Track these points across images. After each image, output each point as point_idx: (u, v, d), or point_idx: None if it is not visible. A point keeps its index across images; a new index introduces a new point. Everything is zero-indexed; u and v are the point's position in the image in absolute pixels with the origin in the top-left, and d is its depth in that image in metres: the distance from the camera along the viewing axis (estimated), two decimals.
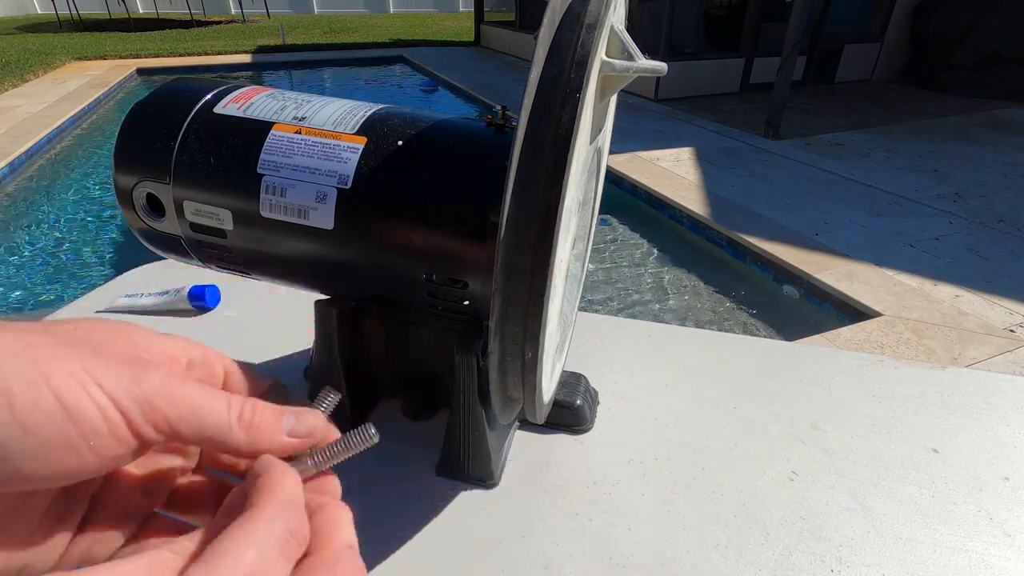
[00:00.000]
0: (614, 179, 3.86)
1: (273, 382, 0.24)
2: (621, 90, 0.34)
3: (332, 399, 0.24)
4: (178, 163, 0.39)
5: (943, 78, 6.52)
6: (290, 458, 0.21)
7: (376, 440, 0.22)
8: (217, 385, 0.23)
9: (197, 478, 0.24)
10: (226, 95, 0.41)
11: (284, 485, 0.19)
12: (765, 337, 2.22)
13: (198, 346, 0.22)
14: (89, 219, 3.70)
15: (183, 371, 0.21)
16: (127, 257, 3.17)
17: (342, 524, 0.20)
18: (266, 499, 0.18)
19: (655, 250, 3.26)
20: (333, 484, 0.22)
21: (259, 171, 0.37)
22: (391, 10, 18.54)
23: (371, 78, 8.42)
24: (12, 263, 3.16)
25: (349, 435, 0.22)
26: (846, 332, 2.27)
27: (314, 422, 0.22)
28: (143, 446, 0.18)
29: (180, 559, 0.16)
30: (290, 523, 0.18)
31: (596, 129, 0.36)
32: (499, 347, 0.31)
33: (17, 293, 2.92)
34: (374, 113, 0.39)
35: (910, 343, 2.19)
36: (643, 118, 5.42)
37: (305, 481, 0.21)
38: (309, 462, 0.22)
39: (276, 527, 0.17)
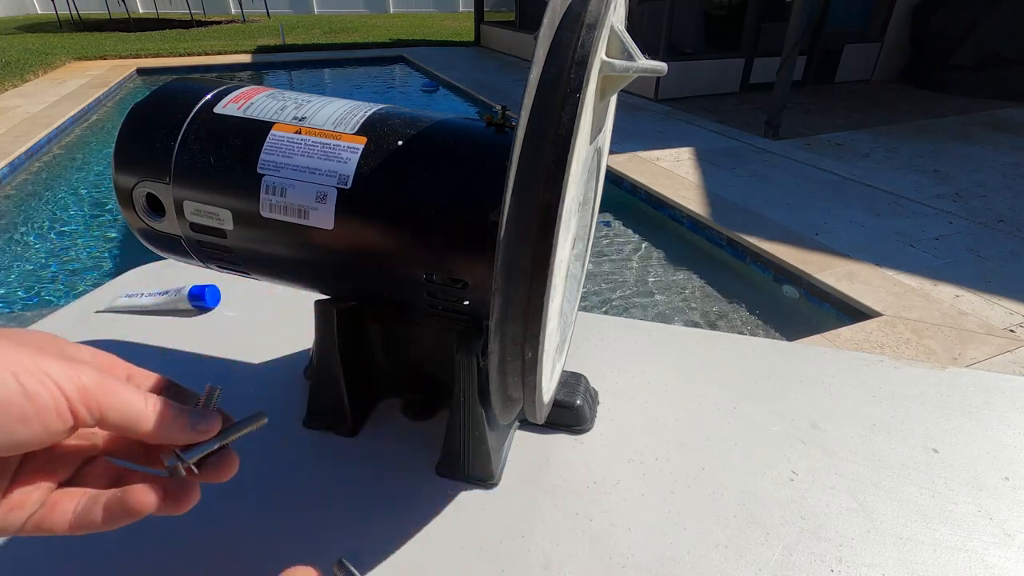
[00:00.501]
0: (614, 179, 3.86)
1: (168, 382, 0.30)
2: (621, 90, 0.34)
3: (215, 397, 0.29)
4: (178, 163, 0.39)
5: (943, 78, 6.52)
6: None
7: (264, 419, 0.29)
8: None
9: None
10: (226, 95, 0.41)
11: None
12: (765, 337, 2.22)
13: (105, 354, 0.28)
14: (89, 219, 3.70)
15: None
16: (127, 257, 3.18)
17: None
18: None
19: (655, 250, 3.26)
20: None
21: (259, 171, 0.37)
22: (391, 10, 18.54)
23: (371, 78, 8.42)
24: (12, 262, 3.16)
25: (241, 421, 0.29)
26: (846, 332, 2.27)
27: (209, 424, 0.27)
28: (77, 424, 0.23)
29: None
30: None
31: (596, 129, 0.36)
32: (499, 347, 0.31)
33: (18, 292, 2.92)
34: (374, 113, 0.39)
35: (910, 343, 2.19)
36: (643, 118, 5.42)
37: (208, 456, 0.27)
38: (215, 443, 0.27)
39: None
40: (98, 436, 0.28)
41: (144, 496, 0.25)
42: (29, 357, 0.22)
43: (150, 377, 0.29)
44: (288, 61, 9.04)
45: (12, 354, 0.22)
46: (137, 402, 0.25)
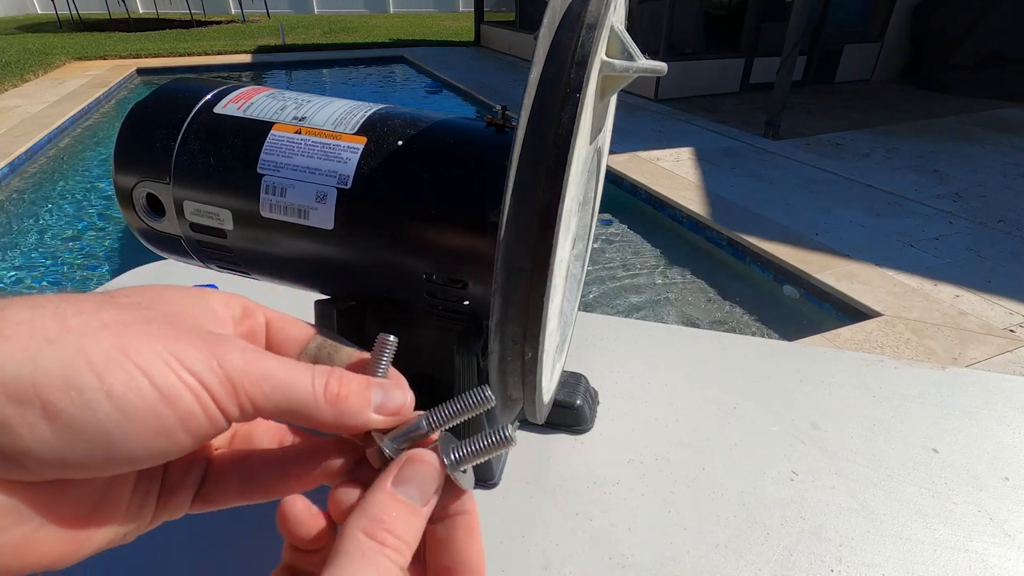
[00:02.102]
0: (614, 179, 3.86)
1: (317, 332, 0.23)
2: (621, 90, 0.34)
3: (390, 348, 0.22)
4: (178, 163, 0.39)
5: (943, 78, 6.52)
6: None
7: (493, 403, 0.21)
8: (260, 337, 0.22)
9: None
10: (226, 95, 0.41)
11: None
12: (765, 337, 2.22)
13: (236, 297, 0.22)
14: (88, 219, 3.71)
15: (232, 328, 0.21)
16: (127, 257, 3.18)
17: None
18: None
19: (655, 250, 3.26)
20: (467, 499, 0.22)
21: (259, 171, 0.37)
22: (391, 10, 18.56)
23: (372, 78, 8.42)
24: (13, 262, 3.16)
25: (465, 396, 0.21)
26: (846, 332, 2.27)
27: (402, 398, 0.21)
28: (229, 423, 0.18)
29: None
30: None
31: (596, 129, 0.36)
32: (499, 347, 0.31)
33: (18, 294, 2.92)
34: (374, 113, 0.39)
35: (910, 343, 2.19)
36: (643, 118, 5.42)
37: (418, 444, 0.21)
38: (423, 423, 0.21)
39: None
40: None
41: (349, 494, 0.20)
42: (159, 342, 0.17)
43: (295, 326, 0.23)
44: (288, 61, 9.04)
45: (139, 340, 0.16)
46: (302, 383, 0.19)
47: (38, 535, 0.16)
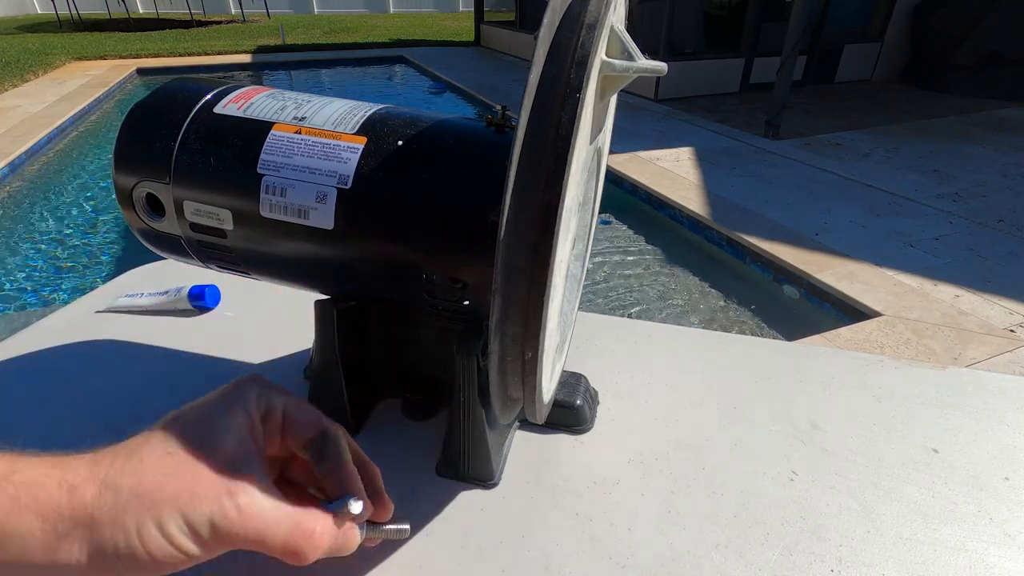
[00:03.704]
0: (614, 179, 3.86)
1: (323, 421, 0.32)
2: (621, 90, 0.34)
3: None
4: (178, 163, 0.39)
5: (943, 78, 6.52)
6: None
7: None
8: (278, 429, 0.31)
9: None
10: (226, 95, 0.41)
11: None
12: (765, 337, 2.22)
13: (264, 396, 0.30)
14: (88, 219, 3.71)
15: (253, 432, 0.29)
16: (126, 257, 3.18)
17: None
18: None
19: (655, 250, 3.26)
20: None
21: (259, 171, 0.37)
22: (391, 10, 18.57)
23: (372, 78, 8.42)
24: (13, 262, 3.16)
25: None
26: (846, 332, 2.27)
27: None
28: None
29: None
30: None
31: (596, 129, 0.36)
32: (499, 347, 0.31)
33: (19, 294, 2.92)
34: (374, 113, 0.39)
35: (910, 343, 2.19)
36: (643, 118, 5.42)
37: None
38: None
39: None
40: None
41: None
42: (177, 504, 0.24)
43: (305, 417, 0.31)
44: (288, 61, 9.04)
45: (159, 508, 0.24)
46: (274, 537, 0.27)
47: None
